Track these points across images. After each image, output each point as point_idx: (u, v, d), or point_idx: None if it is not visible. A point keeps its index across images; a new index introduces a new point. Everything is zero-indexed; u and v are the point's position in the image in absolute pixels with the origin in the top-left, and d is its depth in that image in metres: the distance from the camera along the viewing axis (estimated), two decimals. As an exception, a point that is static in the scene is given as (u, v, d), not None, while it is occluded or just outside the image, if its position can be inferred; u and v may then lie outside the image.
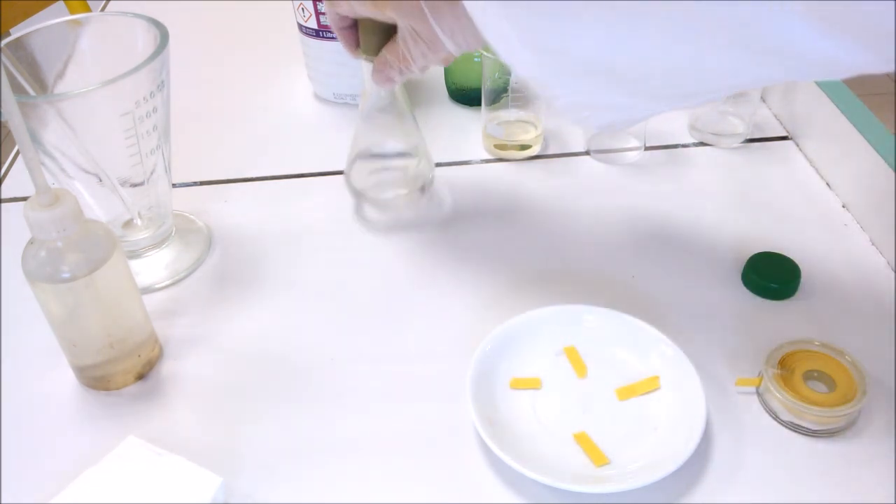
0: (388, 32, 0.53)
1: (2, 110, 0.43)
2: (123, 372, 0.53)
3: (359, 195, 0.66)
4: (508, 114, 0.72)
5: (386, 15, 0.50)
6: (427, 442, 0.49)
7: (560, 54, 0.40)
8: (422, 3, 0.47)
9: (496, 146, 0.73)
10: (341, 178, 0.67)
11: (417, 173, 0.65)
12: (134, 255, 0.61)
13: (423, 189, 0.66)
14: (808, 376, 0.50)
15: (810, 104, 0.70)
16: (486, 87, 0.70)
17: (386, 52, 0.53)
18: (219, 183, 0.72)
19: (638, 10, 0.35)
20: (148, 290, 0.60)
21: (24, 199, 0.47)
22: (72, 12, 1.26)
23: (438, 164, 0.71)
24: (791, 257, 0.59)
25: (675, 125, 0.75)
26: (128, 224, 0.60)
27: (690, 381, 0.49)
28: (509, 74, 0.68)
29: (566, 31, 0.38)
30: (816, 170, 0.69)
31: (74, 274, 0.47)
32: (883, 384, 0.51)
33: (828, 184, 0.68)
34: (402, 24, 0.50)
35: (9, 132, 0.50)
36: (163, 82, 0.54)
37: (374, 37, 0.53)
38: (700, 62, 0.37)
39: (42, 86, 0.56)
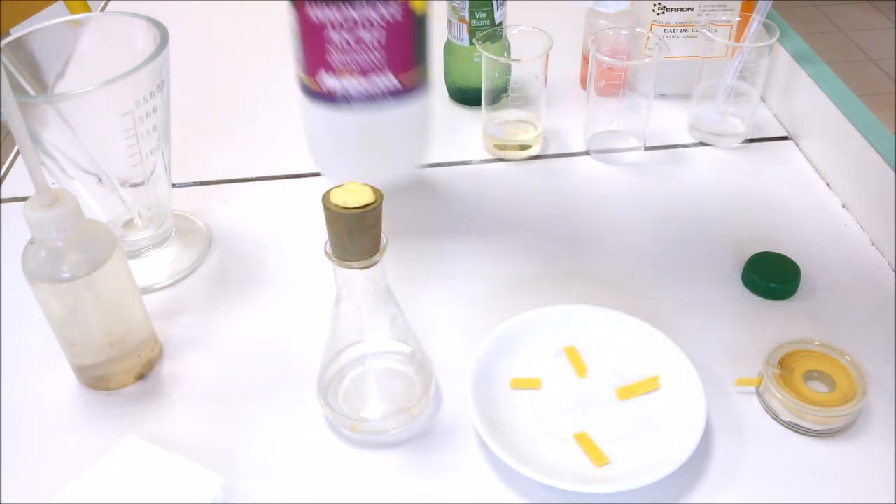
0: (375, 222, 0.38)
1: (2, 110, 0.43)
2: (123, 372, 0.53)
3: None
4: (508, 114, 0.72)
5: None
6: (427, 442, 0.49)
7: None
8: None
9: (496, 146, 0.73)
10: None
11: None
12: (134, 255, 0.61)
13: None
14: (808, 376, 0.50)
15: (810, 104, 0.70)
16: (486, 87, 0.70)
17: None
18: (219, 183, 0.72)
19: None
20: (148, 290, 0.60)
21: (24, 199, 0.47)
22: (72, 12, 1.26)
23: (439, 165, 0.71)
24: (791, 257, 0.59)
25: (675, 125, 0.75)
26: (128, 224, 0.60)
27: (690, 381, 0.49)
28: (509, 74, 0.68)
29: None
30: (816, 170, 0.69)
31: (74, 274, 0.47)
32: (883, 384, 0.51)
33: (828, 184, 0.68)
34: None
35: (9, 132, 0.50)
36: (163, 82, 0.54)
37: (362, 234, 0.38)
38: None
39: (42, 86, 0.56)
